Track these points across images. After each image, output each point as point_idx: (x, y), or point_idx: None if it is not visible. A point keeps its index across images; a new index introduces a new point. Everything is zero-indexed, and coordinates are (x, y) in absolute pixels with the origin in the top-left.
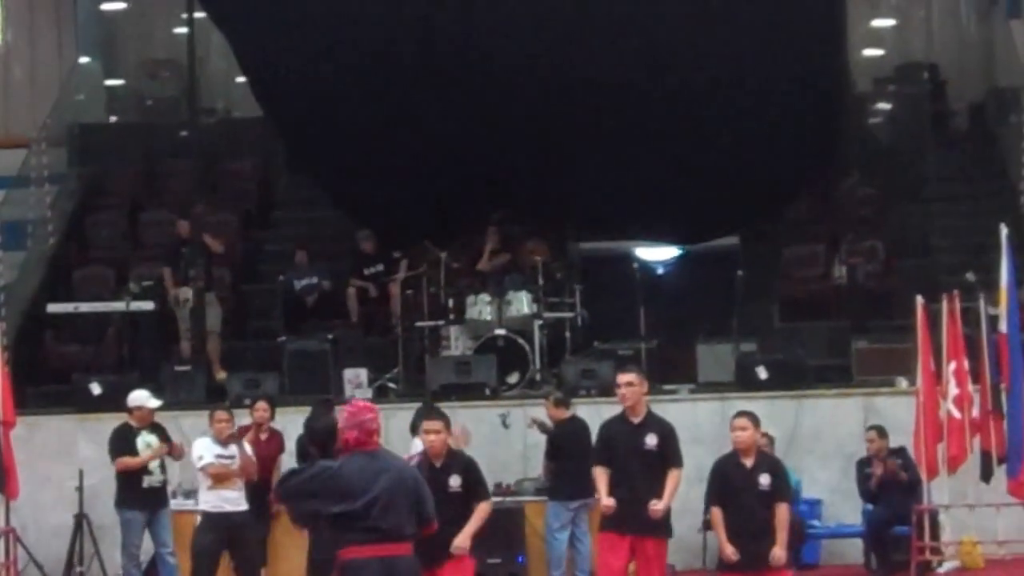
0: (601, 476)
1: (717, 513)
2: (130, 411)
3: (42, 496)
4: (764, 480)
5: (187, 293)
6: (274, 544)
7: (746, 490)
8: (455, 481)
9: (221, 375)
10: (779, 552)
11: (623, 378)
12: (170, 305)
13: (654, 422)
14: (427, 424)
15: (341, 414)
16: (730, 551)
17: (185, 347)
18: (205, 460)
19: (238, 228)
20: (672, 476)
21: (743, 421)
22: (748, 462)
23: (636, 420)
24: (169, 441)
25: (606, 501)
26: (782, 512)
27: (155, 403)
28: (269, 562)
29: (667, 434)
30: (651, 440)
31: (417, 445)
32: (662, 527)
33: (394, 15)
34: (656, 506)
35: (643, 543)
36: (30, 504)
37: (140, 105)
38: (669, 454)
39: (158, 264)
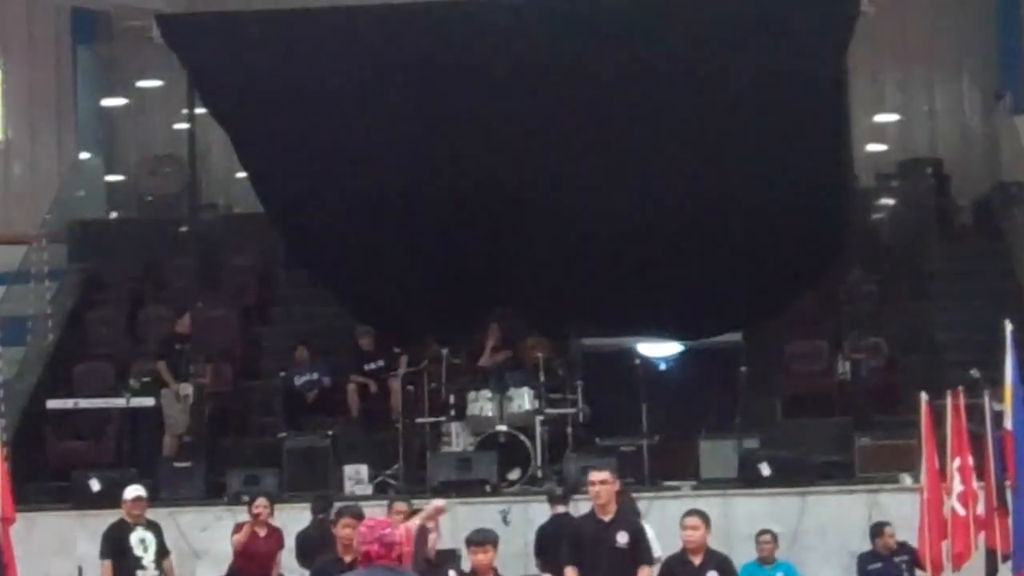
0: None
1: None
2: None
3: None
4: None
5: (187, 389)
6: None
7: None
8: (623, 538)
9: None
10: None
11: (596, 476)
12: (161, 399)
13: (624, 520)
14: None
15: (360, 528)
16: None
17: (169, 442)
18: None
19: (238, 324)
20: (643, 573)
21: (694, 520)
22: (696, 560)
23: (607, 518)
24: (163, 539)
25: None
26: None
27: (133, 494)
28: None
29: (637, 532)
30: (622, 538)
31: None
32: None
33: (394, 117)
34: None
35: None
36: None
37: (140, 201)
38: (639, 551)
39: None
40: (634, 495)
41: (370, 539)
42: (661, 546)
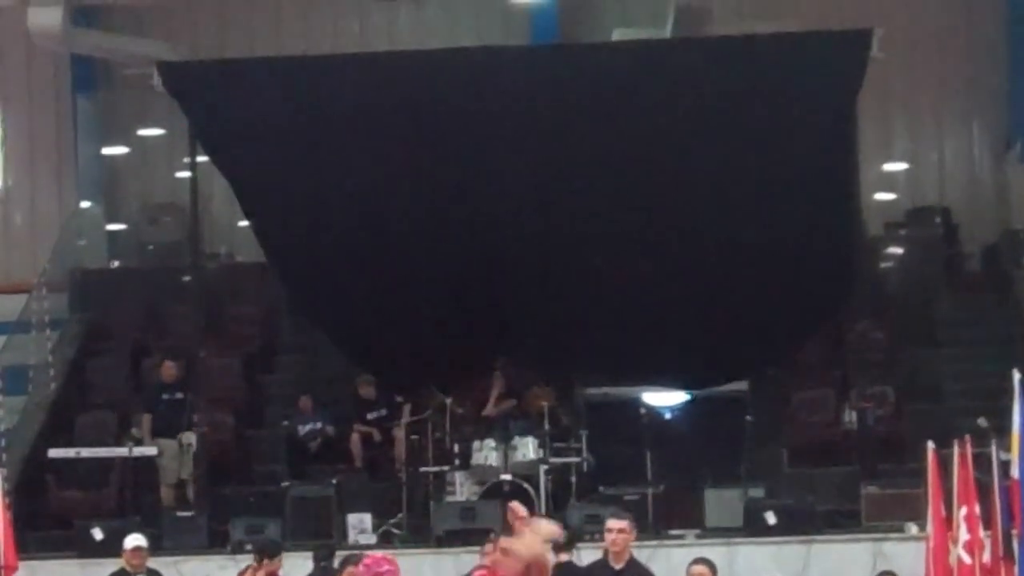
0: None
1: None
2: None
3: None
4: None
5: (190, 438)
6: None
7: None
8: None
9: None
10: None
11: (616, 524)
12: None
13: (635, 569)
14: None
15: (359, 568)
16: None
17: (165, 492)
18: None
19: (241, 373)
20: None
21: (701, 568)
22: None
23: (618, 566)
24: None
25: None
26: None
27: (134, 543)
28: None
29: None
30: None
31: None
32: None
33: (397, 165)
34: None
35: None
36: None
37: (142, 250)
38: None
39: None
40: (638, 544)
41: None
42: None
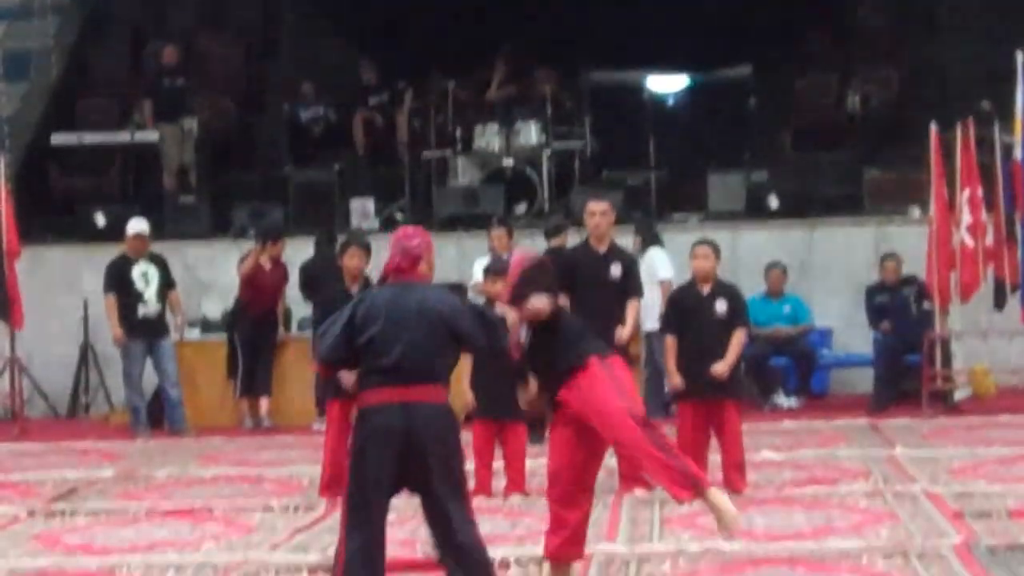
0: (565, 304)
1: (671, 341)
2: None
3: (47, 327)
4: (721, 307)
5: (192, 123)
6: (280, 373)
7: (702, 317)
8: (616, 270)
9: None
10: (720, 367)
11: (597, 207)
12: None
13: (618, 253)
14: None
15: (392, 239)
16: (677, 380)
17: (167, 179)
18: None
19: (243, 59)
20: (632, 306)
21: (705, 249)
22: (705, 289)
23: (601, 249)
24: (168, 271)
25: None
26: (738, 336)
27: (135, 229)
28: (274, 391)
29: (630, 265)
30: (615, 270)
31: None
32: (626, 354)
33: None
34: (622, 333)
35: (615, 360)
36: (35, 334)
37: None
38: (631, 285)
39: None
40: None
41: (395, 251)
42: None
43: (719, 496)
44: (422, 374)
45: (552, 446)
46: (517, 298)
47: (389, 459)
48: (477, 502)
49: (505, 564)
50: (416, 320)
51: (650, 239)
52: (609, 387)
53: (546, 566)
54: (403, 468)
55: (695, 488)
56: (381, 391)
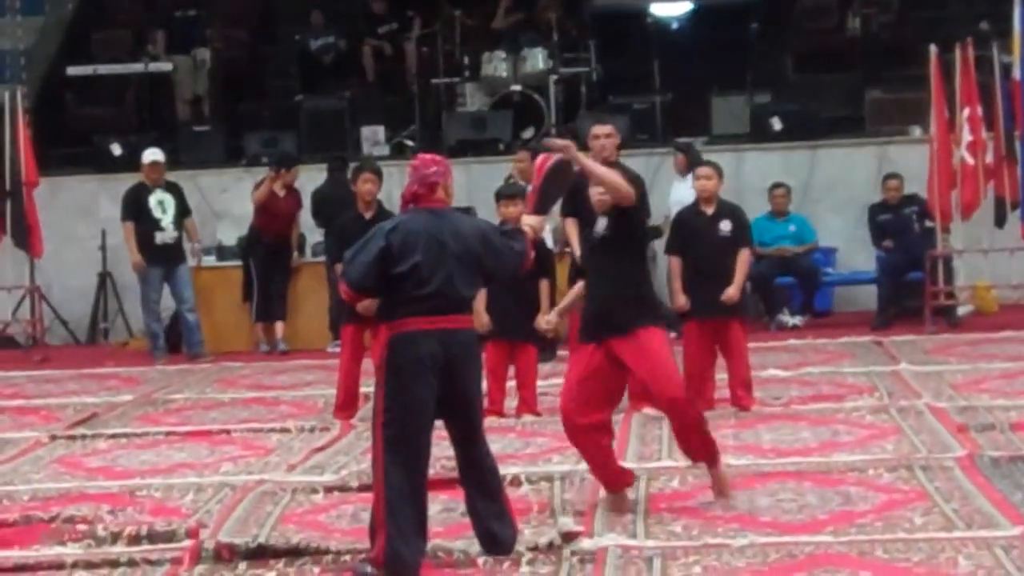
0: (571, 227)
1: (675, 262)
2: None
3: (66, 255)
4: (725, 227)
5: (204, 54)
6: (295, 298)
7: (707, 237)
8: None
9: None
10: (731, 291)
11: (601, 129)
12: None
13: (624, 173)
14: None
15: (409, 167)
16: (682, 300)
17: (181, 108)
18: None
19: None
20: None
21: (707, 171)
22: (709, 210)
23: None
24: (184, 199)
25: (579, 252)
26: (743, 256)
27: (151, 158)
28: (289, 316)
29: (637, 186)
30: None
31: None
32: None
33: None
34: None
35: None
36: (54, 263)
37: None
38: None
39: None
40: (648, 151)
41: (413, 179)
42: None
43: (725, 473)
44: (459, 303)
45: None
46: (540, 205)
47: (431, 387)
48: (490, 421)
49: (517, 482)
50: (453, 250)
51: (695, 160)
52: (670, 355)
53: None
54: (443, 395)
55: (715, 460)
56: (419, 319)
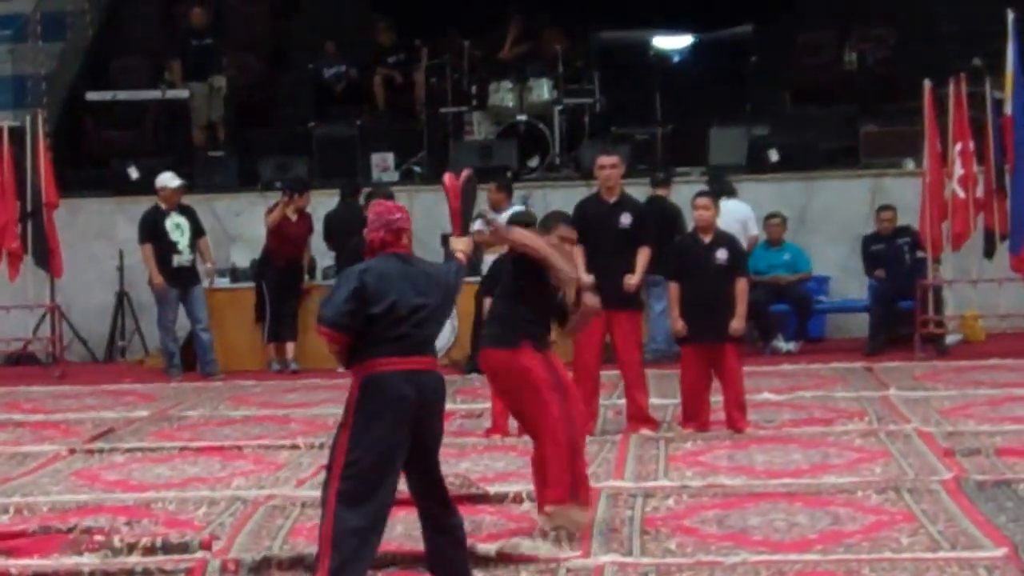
0: (577, 253)
1: (674, 289)
2: (158, 193)
3: (85, 275)
4: (721, 255)
5: (220, 81)
6: (306, 319)
7: (704, 265)
8: (626, 220)
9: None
10: (735, 324)
11: (607, 160)
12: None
13: (628, 202)
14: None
15: (368, 214)
16: (680, 326)
17: (197, 134)
18: None
19: (268, 19)
20: (643, 253)
21: (705, 200)
22: (706, 239)
23: (612, 200)
24: (197, 221)
25: (585, 279)
26: (741, 286)
27: (176, 182)
28: (299, 336)
29: (641, 213)
30: (625, 219)
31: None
32: (635, 301)
33: None
34: (630, 280)
35: (618, 317)
36: (74, 283)
37: None
38: (642, 233)
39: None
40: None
41: (376, 226)
42: None
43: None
44: (427, 344)
45: None
46: (464, 226)
47: (405, 429)
48: (492, 441)
49: (519, 499)
50: (429, 291)
51: (725, 190)
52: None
53: None
54: (412, 438)
55: (571, 496)
56: (392, 360)
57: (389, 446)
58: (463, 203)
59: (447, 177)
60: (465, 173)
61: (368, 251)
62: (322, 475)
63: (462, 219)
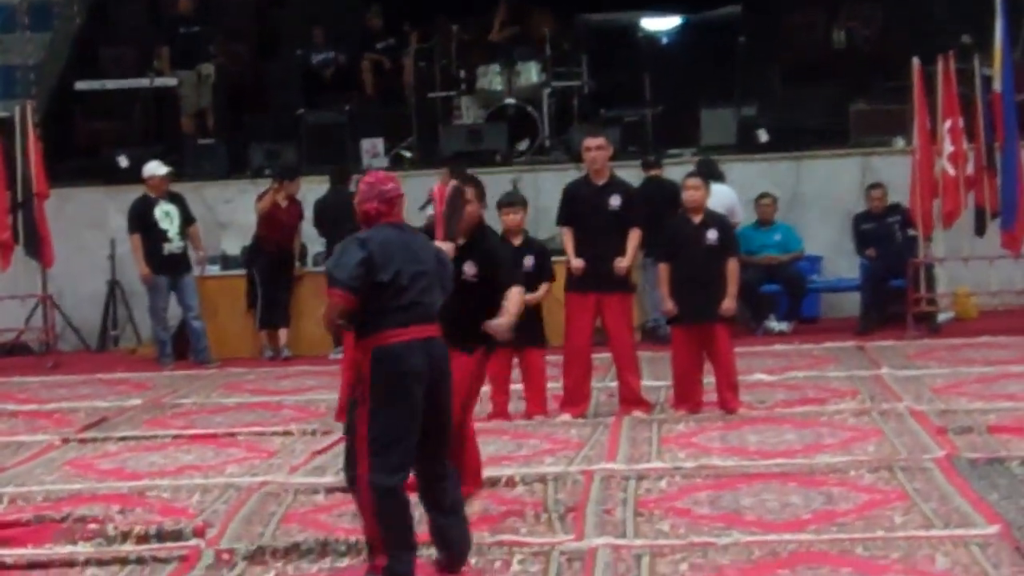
0: (567, 236)
1: (664, 269)
2: (146, 182)
3: (76, 264)
4: (711, 235)
5: (208, 69)
6: (297, 305)
7: (694, 245)
8: (615, 201)
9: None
10: (727, 304)
11: (593, 142)
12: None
13: (618, 184)
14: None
15: (359, 185)
16: (670, 306)
17: (185, 122)
18: None
19: (255, 6)
20: (634, 235)
21: (696, 181)
22: (697, 219)
23: (601, 182)
24: (187, 208)
25: (575, 262)
26: (731, 266)
27: (164, 170)
28: (291, 323)
29: (630, 195)
30: (615, 201)
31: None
32: (626, 283)
33: None
34: (621, 263)
35: (609, 299)
36: (65, 272)
37: None
38: (632, 215)
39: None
40: (639, 162)
41: (369, 196)
42: None
43: None
44: (433, 313)
45: None
46: (448, 232)
47: (420, 397)
48: (490, 425)
49: (511, 483)
50: (428, 259)
51: (713, 174)
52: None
53: None
54: (426, 405)
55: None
56: (402, 330)
57: (411, 416)
58: (447, 210)
59: (436, 188)
60: (452, 184)
61: (363, 221)
62: (316, 461)
63: (446, 225)
